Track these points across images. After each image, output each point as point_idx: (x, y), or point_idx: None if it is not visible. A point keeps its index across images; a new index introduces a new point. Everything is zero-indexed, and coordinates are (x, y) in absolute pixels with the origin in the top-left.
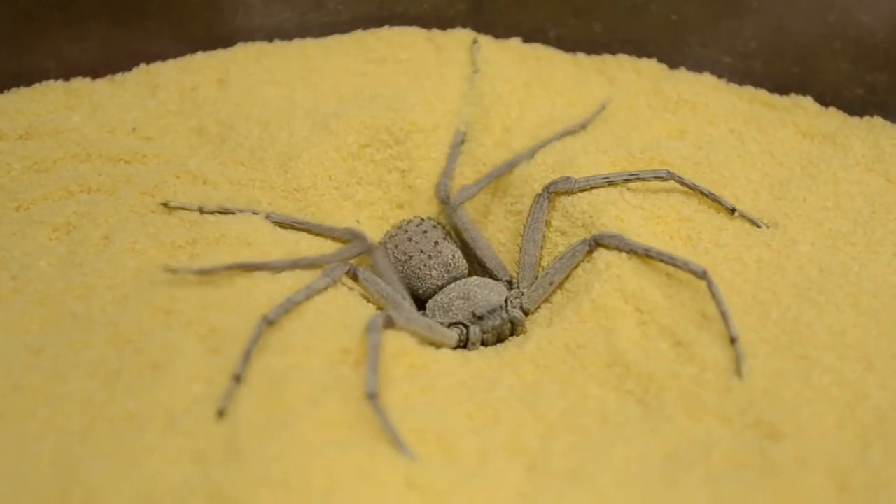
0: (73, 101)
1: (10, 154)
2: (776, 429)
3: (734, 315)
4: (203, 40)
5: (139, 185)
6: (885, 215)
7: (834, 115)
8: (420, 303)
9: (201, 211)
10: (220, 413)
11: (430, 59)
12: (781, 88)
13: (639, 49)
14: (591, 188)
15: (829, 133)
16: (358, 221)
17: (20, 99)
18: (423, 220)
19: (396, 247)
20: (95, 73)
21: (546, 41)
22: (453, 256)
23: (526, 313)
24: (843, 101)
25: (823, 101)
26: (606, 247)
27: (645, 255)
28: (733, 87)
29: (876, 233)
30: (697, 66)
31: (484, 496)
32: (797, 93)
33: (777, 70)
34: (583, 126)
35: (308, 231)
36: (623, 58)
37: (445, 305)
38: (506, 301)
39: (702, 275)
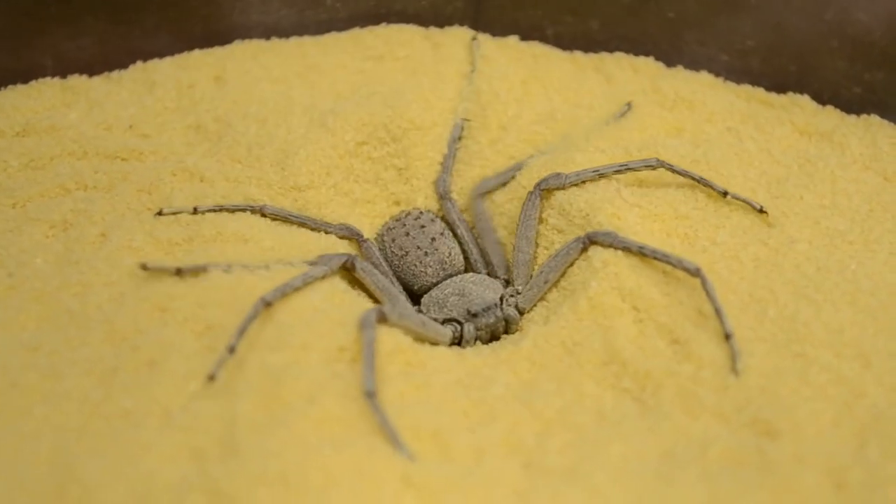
0: (70, 98)
1: (6, 151)
2: (773, 427)
3: (731, 313)
4: (200, 37)
5: (136, 182)
6: (883, 213)
7: (831, 114)
8: (415, 297)
9: (195, 211)
10: (211, 378)
11: (428, 56)
12: (779, 87)
13: (636, 47)
14: (583, 182)
15: (826, 131)
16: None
17: (17, 96)
18: (421, 213)
19: (393, 241)
20: (92, 71)
21: (543, 39)
22: (450, 254)
23: (521, 312)
24: (840, 99)
25: (821, 99)
26: (600, 244)
27: (639, 252)
28: (731, 85)
29: (873, 231)
30: (695, 64)
31: (480, 494)
32: (794, 91)
33: (774, 68)
34: (606, 123)
35: (304, 225)
36: (620, 56)
37: (440, 301)
38: (501, 299)
39: (695, 272)
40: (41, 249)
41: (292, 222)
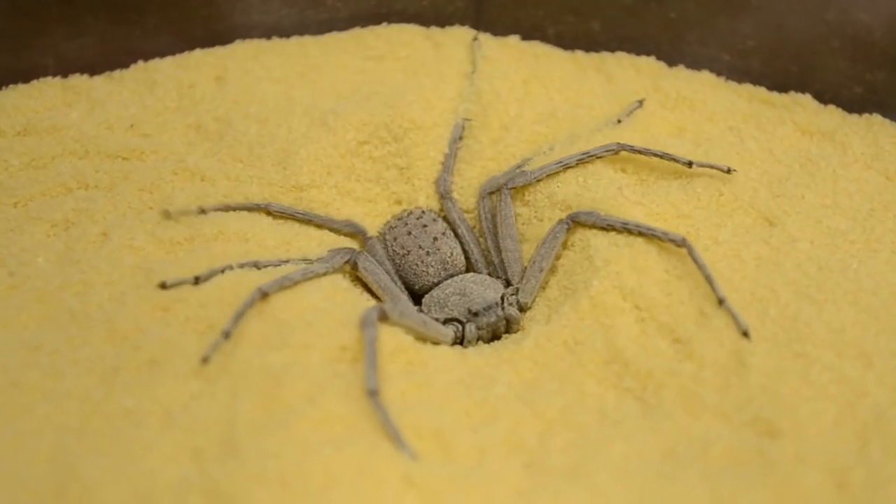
0: (71, 97)
1: (7, 150)
2: (775, 426)
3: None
4: (201, 37)
5: (137, 181)
6: (884, 213)
7: (833, 113)
8: (416, 297)
9: (202, 211)
10: (205, 360)
11: (429, 56)
12: (780, 86)
13: (637, 47)
14: (548, 176)
15: (827, 131)
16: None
17: (18, 95)
18: (423, 212)
19: (395, 240)
20: (93, 70)
21: (545, 39)
22: (451, 253)
23: (523, 308)
24: (841, 99)
25: (822, 98)
26: (583, 224)
27: (623, 229)
28: (732, 84)
29: (875, 230)
30: (696, 64)
31: (482, 493)
32: (796, 90)
33: (776, 68)
34: (618, 121)
35: (307, 222)
36: (622, 55)
37: (441, 301)
38: (502, 298)
39: (681, 243)
40: (42, 249)
41: (297, 220)
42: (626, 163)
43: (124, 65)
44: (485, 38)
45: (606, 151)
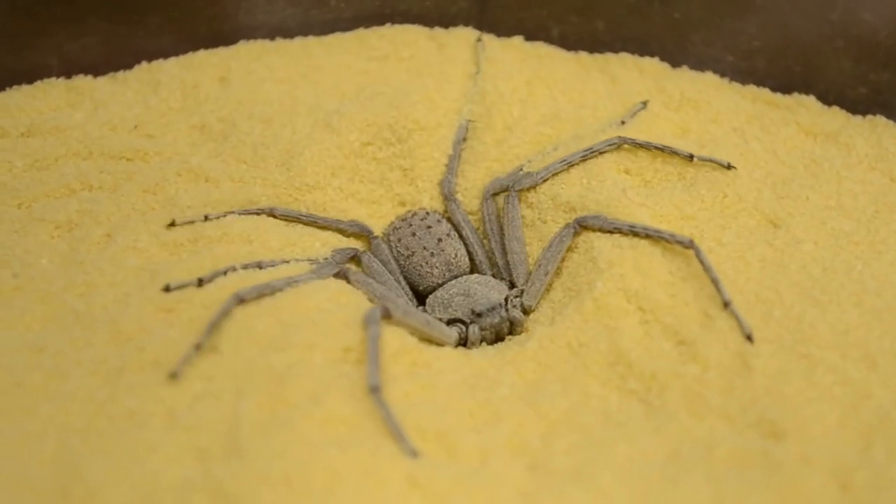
0: (75, 98)
1: (11, 152)
2: (779, 428)
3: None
4: (205, 38)
5: (141, 182)
6: (889, 214)
7: (837, 114)
8: (420, 298)
9: (206, 218)
10: (173, 376)
11: (433, 56)
12: (784, 87)
13: (641, 47)
14: (553, 176)
15: (831, 132)
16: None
17: (22, 96)
18: (427, 213)
19: (399, 240)
20: (97, 71)
21: (548, 39)
22: (456, 255)
23: (527, 311)
24: (845, 100)
25: (826, 99)
26: (590, 228)
27: (630, 232)
28: (736, 85)
29: (879, 232)
30: (700, 65)
31: (485, 495)
32: (800, 92)
33: (780, 69)
34: (622, 122)
35: (313, 224)
36: (625, 56)
37: (445, 301)
38: (506, 300)
39: (688, 244)
40: (46, 250)
41: (302, 222)
42: (630, 164)
43: (128, 65)
44: (488, 38)
45: (609, 146)
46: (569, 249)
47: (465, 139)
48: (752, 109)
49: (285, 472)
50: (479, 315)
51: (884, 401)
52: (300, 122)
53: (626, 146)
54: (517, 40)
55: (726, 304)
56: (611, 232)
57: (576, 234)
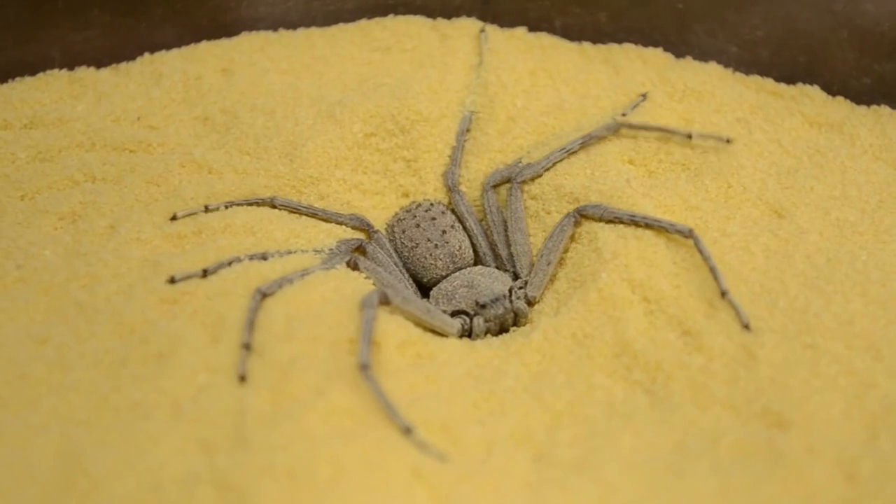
0: (78, 90)
1: (14, 143)
2: (784, 418)
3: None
4: (207, 29)
5: (144, 174)
6: (893, 204)
7: (841, 105)
8: (424, 289)
9: (207, 209)
10: (242, 378)
11: (436, 48)
12: (788, 78)
13: (644, 38)
14: (555, 166)
15: (836, 122)
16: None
17: (24, 88)
18: (431, 204)
19: (403, 232)
20: (100, 63)
21: (552, 30)
22: (460, 247)
23: (531, 302)
24: (850, 90)
25: (830, 90)
26: (591, 217)
27: (630, 221)
28: (740, 76)
29: (883, 221)
30: (703, 56)
31: (490, 486)
32: (804, 82)
33: (784, 59)
34: (623, 115)
35: (314, 216)
36: (629, 47)
37: (449, 293)
38: (510, 291)
39: (688, 234)
40: (49, 241)
41: (302, 213)
42: (634, 155)
43: (130, 57)
44: (491, 29)
45: (606, 130)
46: (573, 240)
47: (468, 130)
48: (756, 100)
49: (290, 464)
50: (484, 306)
51: (889, 390)
52: (303, 114)
53: (625, 133)
54: (520, 31)
55: (723, 294)
56: (611, 221)
57: (576, 223)
